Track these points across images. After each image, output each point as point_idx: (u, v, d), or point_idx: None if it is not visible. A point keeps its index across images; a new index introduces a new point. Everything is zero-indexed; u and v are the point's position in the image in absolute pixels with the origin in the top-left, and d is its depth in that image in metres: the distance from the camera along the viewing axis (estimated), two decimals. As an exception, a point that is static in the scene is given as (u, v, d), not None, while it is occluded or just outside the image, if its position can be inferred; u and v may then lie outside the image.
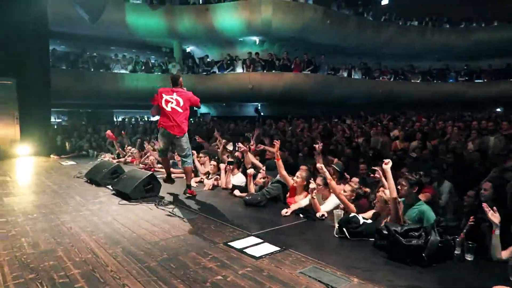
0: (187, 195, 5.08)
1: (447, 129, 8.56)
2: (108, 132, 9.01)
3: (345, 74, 17.23)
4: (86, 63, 14.81)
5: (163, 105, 4.80)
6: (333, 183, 4.05)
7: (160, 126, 4.88)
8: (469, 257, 2.97)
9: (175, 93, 4.88)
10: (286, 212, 4.14)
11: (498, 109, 14.29)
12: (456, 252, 3.03)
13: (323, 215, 4.00)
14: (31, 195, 5.22)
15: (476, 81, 18.80)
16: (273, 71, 15.41)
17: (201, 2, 16.14)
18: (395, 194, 3.40)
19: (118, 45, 17.67)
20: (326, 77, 16.30)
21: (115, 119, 17.66)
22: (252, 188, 5.09)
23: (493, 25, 19.35)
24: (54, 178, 6.60)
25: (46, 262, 2.82)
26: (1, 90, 9.62)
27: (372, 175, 4.14)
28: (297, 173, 4.66)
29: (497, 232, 2.96)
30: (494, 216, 2.95)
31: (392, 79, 18.57)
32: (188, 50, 19.09)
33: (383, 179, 4.03)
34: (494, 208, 2.97)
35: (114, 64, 15.51)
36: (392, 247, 2.94)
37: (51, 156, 9.85)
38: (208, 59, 16.49)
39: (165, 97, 4.83)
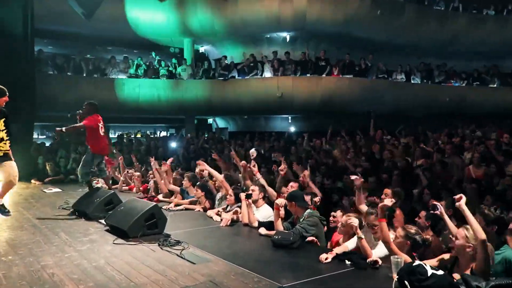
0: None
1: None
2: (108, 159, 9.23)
3: (400, 78, 16.98)
4: (77, 67, 15.32)
5: (100, 131, 6.88)
6: (383, 226, 3.89)
7: (96, 150, 6.93)
8: None
9: (100, 119, 6.96)
10: (327, 258, 4.00)
11: None
12: None
13: (376, 261, 3.84)
14: (6, 231, 5.34)
15: None
16: (308, 74, 15.39)
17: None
18: (483, 236, 3.23)
19: (117, 45, 18.25)
20: (375, 81, 16.15)
21: (111, 135, 18.05)
22: (280, 224, 4.99)
23: None
24: (35, 210, 6.74)
25: (21, 319, 2.82)
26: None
27: (433, 211, 3.99)
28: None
29: None
30: None
31: (463, 84, 18.17)
32: (201, 50, 19.46)
33: (445, 217, 3.89)
34: None
35: (111, 68, 15.97)
36: (475, 308, 2.76)
37: (32, 181, 10.11)
38: (226, 61, 16.72)
39: (99, 124, 6.85)
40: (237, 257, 4.16)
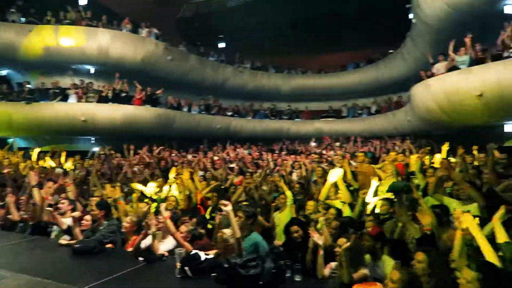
0: None
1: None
2: None
3: (186, 109, 17.63)
4: None
5: None
6: (168, 223, 4.07)
7: None
8: (297, 278, 3.33)
9: None
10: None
11: (313, 143, 17.29)
12: (287, 275, 3.35)
13: (162, 255, 3.86)
14: None
15: (296, 119, 22.11)
16: (110, 103, 14.45)
17: (22, 21, 14.18)
18: (239, 234, 3.56)
19: None
20: (167, 111, 16.31)
21: None
22: (79, 233, 4.50)
23: (307, 74, 23.43)
24: None
25: None
26: None
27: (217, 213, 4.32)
28: (128, 218, 4.54)
29: (322, 252, 3.46)
30: (319, 239, 3.45)
31: (230, 116, 20.06)
32: (3, 73, 16.14)
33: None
34: (320, 232, 3.47)
35: None
36: (233, 279, 3.04)
37: None
38: (29, 86, 14.28)
39: None
40: (34, 269, 3.51)
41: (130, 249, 4.00)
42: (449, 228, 3.86)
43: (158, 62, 16.10)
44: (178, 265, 3.41)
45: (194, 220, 4.56)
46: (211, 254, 3.78)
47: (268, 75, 22.30)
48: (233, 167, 10.21)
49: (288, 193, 5.53)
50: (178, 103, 17.10)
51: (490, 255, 2.80)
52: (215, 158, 11.87)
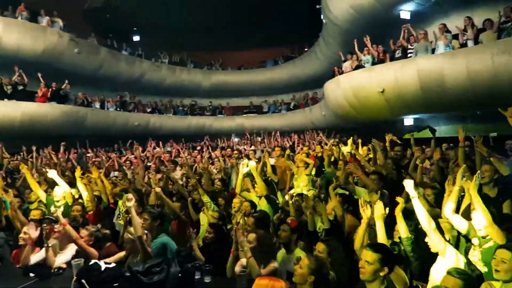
0: None
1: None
2: None
3: (98, 106, 16.40)
4: None
5: None
6: (68, 228, 3.71)
7: None
8: (207, 279, 3.25)
9: None
10: None
11: (236, 139, 17.35)
12: (196, 276, 3.25)
13: (60, 267, 3.49)
14: None
15: (218, 116, 22.02)
16: (6, 99, 12.75)
17: None
18: (139, 232, 3.35)
19: None
20: (76, 108, 14.98)
21: None
22: None
23: (228, 70, 23.43)
24: None
25: None
26: None
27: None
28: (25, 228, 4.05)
29: (234, 253, 3.38)
30: (242, 238, 3.38)
31: (150, 112, 19.18)
32: None
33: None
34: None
35: None
36: (136, 288, 2.84)
37: None
38: None
39: None
40: None
41: (19, 266, 3.53)
42: (347, 214, 4.08)
43: (64, 55, 14.66)
44: (75, 277, 3.10)
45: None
46: (114, 260, 3.52)
47: (187, 71, 21.84)
48: (149, 166, 9.74)
49: (204, 198, 5.35)
50: (86, 99, 15.76)
51: (383, 240, 3.03)
52: (132, 157, 11.22)
